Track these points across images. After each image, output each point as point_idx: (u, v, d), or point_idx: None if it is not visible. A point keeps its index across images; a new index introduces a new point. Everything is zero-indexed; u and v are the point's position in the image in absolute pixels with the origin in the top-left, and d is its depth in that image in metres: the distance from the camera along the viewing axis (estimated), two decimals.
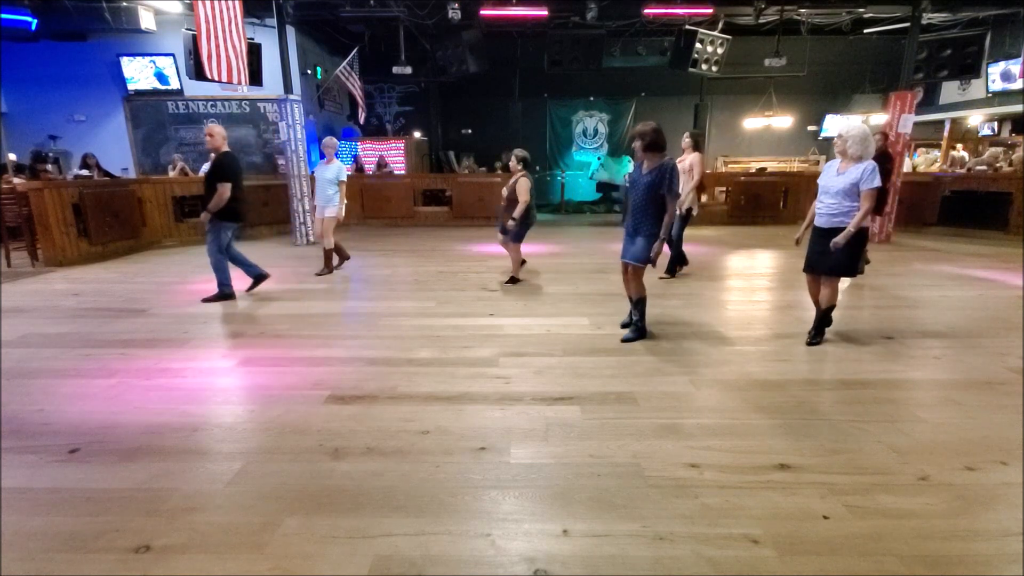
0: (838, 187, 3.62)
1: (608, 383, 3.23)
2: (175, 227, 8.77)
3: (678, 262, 6.13)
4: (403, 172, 12.65)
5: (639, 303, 4.00)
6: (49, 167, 8.97)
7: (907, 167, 10.00)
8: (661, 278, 5.95)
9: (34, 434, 2.68)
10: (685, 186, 5.57)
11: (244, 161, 11.27)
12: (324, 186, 6.12)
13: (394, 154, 12.96)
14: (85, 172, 8.92)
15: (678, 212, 5.66)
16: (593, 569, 1.77)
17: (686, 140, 5.93)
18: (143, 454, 2.49)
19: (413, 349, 3.84)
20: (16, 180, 7.71)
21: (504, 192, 5.59)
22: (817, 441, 2.56)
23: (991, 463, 2.37)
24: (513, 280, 5.81)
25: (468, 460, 2.42)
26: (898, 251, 7.84)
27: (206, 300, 5.16)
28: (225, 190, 4.83)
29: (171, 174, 9.83)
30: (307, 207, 8.72)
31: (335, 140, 6.41)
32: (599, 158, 15.33)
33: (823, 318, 3.94)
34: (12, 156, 9.96)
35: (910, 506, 2.08)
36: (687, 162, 5.73)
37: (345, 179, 6.19)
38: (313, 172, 6.23)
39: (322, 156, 6.35)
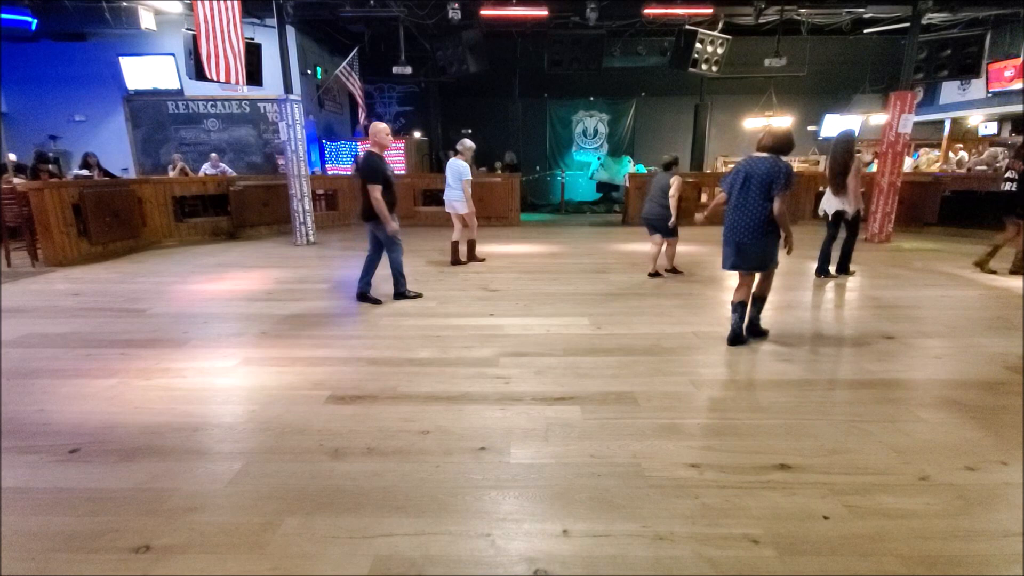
0: None
1: (608, 383, 3.23)
2: (175, 227, 8.77)
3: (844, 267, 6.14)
4: (403, 172, 12.65)
5: (759, 302, 4.01)
6: (50, 167, 8.96)
7: (907, 167, 10.00)
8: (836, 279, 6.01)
9: (34, 434, 2.68)
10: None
11: (244, 161, 11.44)
12: (449, 181, 6.40)
13: (394, 154, 12.94)
14: (85, 172, 8.92)
15: (847, 216, 5.75)
16: (593, 569, 1.77)
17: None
18: (143, 454, 2.49)
19: (413, 349, 3.84)
20: (16, 180, 7.70)
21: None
22: (817, 441, 2.56)
23: (991, 463, 2.37)
24: (674, 271, 6.21)
25: (468, 460, 2.42)
26: (898, 251, 7.84)
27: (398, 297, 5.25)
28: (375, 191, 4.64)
29: (171, 174, 9.83)
30: (307, 207, 8.73)
31: (470, 142, 6.52)
32: (599, 158, 15.33)
33: None
34: (12, 156, 9.96)
35: (910, 506, 2.08)
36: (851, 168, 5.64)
37: (469, 178, 6.34)
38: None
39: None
